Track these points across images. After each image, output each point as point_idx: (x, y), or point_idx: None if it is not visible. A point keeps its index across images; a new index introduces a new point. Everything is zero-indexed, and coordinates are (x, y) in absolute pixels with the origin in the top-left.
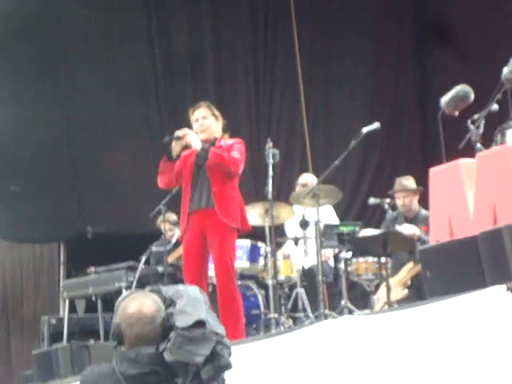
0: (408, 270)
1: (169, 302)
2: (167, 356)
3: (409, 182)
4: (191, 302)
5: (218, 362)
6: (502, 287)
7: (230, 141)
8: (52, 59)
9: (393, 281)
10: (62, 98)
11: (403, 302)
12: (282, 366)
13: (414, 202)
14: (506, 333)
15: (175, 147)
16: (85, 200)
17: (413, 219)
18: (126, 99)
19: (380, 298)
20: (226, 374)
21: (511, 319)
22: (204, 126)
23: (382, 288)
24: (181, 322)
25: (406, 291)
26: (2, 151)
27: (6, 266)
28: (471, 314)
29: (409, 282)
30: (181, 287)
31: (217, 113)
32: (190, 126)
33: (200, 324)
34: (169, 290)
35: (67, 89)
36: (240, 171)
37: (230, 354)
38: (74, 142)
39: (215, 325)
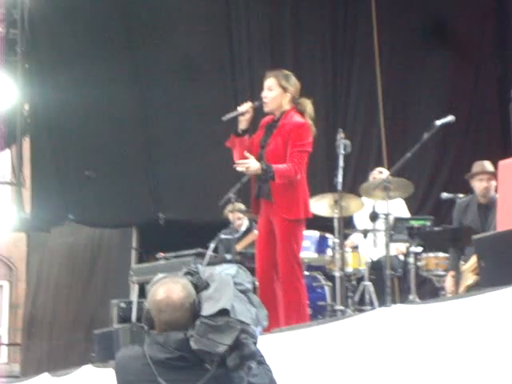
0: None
1: (205, 285)
2: (192, 344)
3: (490, 164)
4: (219, 287)
5: (242, 351)
6: None
7: (296, 118)
8: (129, 40)
9: (464, 267)
10: (138, 80)
11: (474, 288)
12: (328, 353)
13: (493, 186)
14: None
15: (241, 122)
16: (158, 186)
17: (488, 205)
18: (202, 83)
19: (448, 288)
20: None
21: None
22: (267, 98)
23: (448, 279)
24: (206, 309)
25: (476, 277)
26: (79, 135)
27: (73, 247)
28: None
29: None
30: (217, 269)
31: (285, 84)
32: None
33: (224, 312)
34: (206, 271)
35: (144, 72)
36: (299, 175)
37: (255, 343)
38: (149, 127)
39: (242, 312)
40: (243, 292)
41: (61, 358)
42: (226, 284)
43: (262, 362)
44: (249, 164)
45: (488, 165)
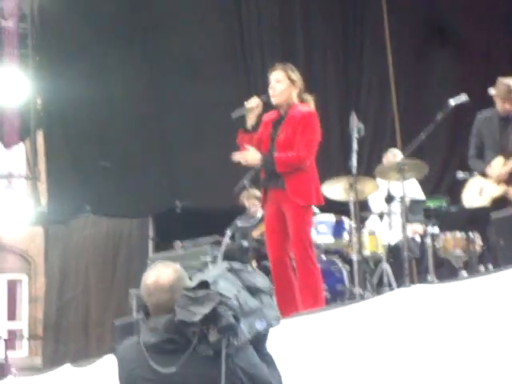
0: (501, 165)
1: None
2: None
3: None
4: (209, 270)
5: (219, 323)
6: None
7: (303, 108)
8: (141, 31)
9: (486, 181)
10: (151, 71)
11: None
12: (349, 335)
13: None
14: None
15: (250, 118)
16: (174, 175)
17: (509, 116)
18: (216, 76)
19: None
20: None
21: None
22: (275, 90)
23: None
24: (189, 284)
25: (503, 187)
26: (92, 126)
27: (95, 239)
28: None
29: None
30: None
31: (294, 76)
32: None
33: (204, 284)
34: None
35: (157, 63)
36: (309, 162)
37: (234, 316)
38: (164, 117)
39: (226, 288)
40: (252, 290)
41: (93, 350)
42: (217, 267)
43: (270, 362)
44: (246, 155)
45: None
